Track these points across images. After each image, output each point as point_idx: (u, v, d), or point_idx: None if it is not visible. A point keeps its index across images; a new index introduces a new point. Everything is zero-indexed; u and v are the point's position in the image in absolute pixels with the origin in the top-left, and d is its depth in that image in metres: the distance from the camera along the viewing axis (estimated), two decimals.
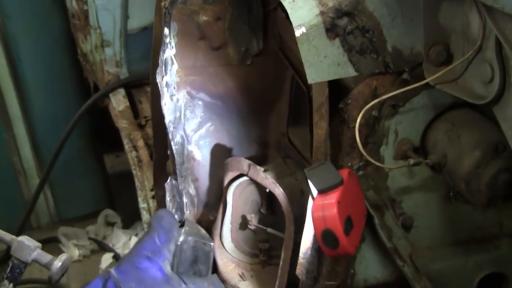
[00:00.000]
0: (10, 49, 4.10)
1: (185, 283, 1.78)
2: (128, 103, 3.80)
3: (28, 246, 1.73)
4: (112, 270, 1.72)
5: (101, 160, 4.83)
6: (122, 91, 3.87)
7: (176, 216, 2.08)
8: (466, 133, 1.62)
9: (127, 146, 3.48)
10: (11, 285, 1.73)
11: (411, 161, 1.63)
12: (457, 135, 1.63)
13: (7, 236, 1.75)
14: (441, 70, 1.56)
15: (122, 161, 5.01)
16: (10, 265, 1.73)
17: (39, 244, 1.77)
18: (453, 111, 1.69)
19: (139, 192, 3.21)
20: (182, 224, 1.95)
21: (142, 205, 3.18)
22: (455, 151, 1.61)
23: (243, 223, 2.08)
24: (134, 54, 3.89)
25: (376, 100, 1.61)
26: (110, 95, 3.86)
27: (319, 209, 1.52)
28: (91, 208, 4.69)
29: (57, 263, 1.75)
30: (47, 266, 1.76)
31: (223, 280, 2.04)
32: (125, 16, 3.79)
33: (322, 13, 1.56)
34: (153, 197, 3.00)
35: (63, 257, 1.78)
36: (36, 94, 4.25)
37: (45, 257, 1.76)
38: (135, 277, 1.70)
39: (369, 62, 1.61)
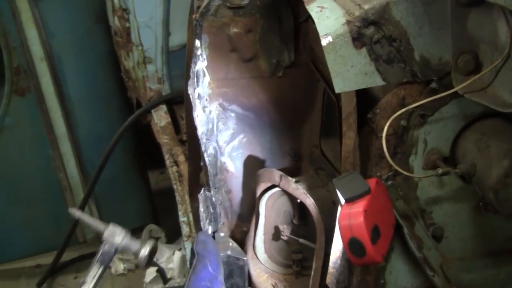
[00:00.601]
0: (55, 67, 4.20)
1: None
2: (169, 119, 3.85)
3: (119, 233, 1.81)
4: None
5: (145, 177, 4.89)
6: (164, 107, 3.93)
7: (210, 227, 2.11)
8: (496, 142, 1.60)
9: (168, 161, 3.52)
10: (101, 268, 1.80)
11: (440, 171, 1.62)
12: (486, 145, 1.61)
13: (99, 223, 1.83)
14: (470, 79, 1.54)
15: (166, 178, 5.07)
16: (101, 250, 1.80)
17: (128, 232, 1.84)
18: (482, 121, 1.68)
19: (179, 206, 3.24)
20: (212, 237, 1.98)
21: (182, 218, 3.20)
22: (484, 160, 1.59)
23: (276, 234, 2.08)
24: (175, 71, 3.94)
25: (403, 110, 1.60)
26: (152, 111, 3.92)
27: (346, 218, 1.52)
28: (136, 223, 4.74)
29: (144, 251, 1.82)
30: (135, 254, 1.83)
31: None
32: (167, 33, 3.85)
33: (348, 22, 1.56)
34: None
35: (148, 244, 1.85)
36: (81, 111, 4.34)
37: (134, 244, 1.84)
38: None
39: (397, 71, 1.61)
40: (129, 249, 1.82)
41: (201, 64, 1.98)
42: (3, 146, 4.34)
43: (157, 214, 4.87)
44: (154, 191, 4.99)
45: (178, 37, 3.87)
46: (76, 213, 1.85)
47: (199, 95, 1.98)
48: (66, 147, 4.45)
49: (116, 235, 1.79)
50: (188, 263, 1.88)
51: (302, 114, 2.17)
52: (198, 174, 2.21)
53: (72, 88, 4.29)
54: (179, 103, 3.96)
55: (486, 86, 1.53)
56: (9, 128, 4.33)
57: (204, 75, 2.02)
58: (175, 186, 3.33)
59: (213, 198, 2.10)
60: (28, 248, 4.65)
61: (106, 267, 1.81)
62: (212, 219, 2.11)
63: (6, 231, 4.44)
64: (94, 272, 1.82)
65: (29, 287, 4.40)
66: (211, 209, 2.10)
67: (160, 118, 3.85)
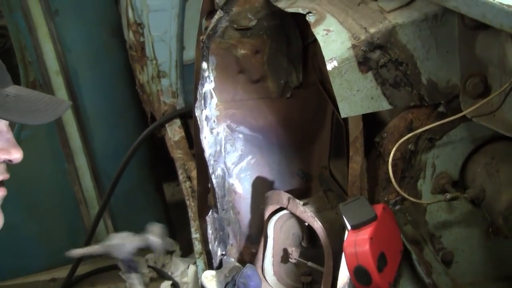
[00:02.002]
0: (70, 81, 4.23)
1: None
2: (183, 134, 3.85)
3: (122, 246, 1.80)
4: None
5: (161, 189, 4.90)
6: (178, 122, 3.93)
7: (219, 249, 2.10)
8: (505, 167, 1.57)
9: (181, 176, 3.52)
10: (135, 276, 1.79)
11: (449, 196, 1.59)
12: (496, 169, 1.58)
13: (99, 246, 1.81)
14: (478, 102, 1.51)
15: (181, 190, 5.08)
16: (121, 265, 1.80)
17: (129, 233, 1.82)
18: (492, 144, 1.65)
19: (192, 223, 3.23)
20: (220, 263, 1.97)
21: (194, 235, 3.19)
22: (494, 185, 1.57)
23: (285, 256, 2.07)
24: (189, 85, 3.92)
25: (411, 134, 1.58)
26: (166, 125, 3.92)
27: (351, 245, 1.50)
28: None
29: (153, 237, 1.81)
30: (148, 245, 1.83)
31: None
32: (181, 47, 3.86)
33: (354, 46, 1.54)
34: None
35: (153, 229, 1.84)
36: (96, 125, 4.36)
37: (141, 239, 1.82)
38: None
39: (404, 95, 1.58)
40: (140, 245, 1.81)
41: (208, 86, 1.98)
42: None
43: (173, 227, 4.86)
44: (169, 204, 4.99)
45: (192, 51, 3.82)
46: (76, 252, 1.83)
47: (206, 117, 1.97)
48: (81, 160, 4.47)
49: (120, 246, 1.77)
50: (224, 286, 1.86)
51: (311, 134, 2.15)
52: (207, 195, 2.20)
53: (87, 101, 4.31)
54: (192, 118, 3.96)
55: (495, 110, 1.50)
56: (25, 142, 4.35)
57: (212, 97, 2.01)
58: (188, 202, 3.33)
59: (222, 220, 2.08)
60: (43, 262, 4.67)
61: (138, 271, 1.79)
62: (221, 241, 2.10)
63: (21, 245, 4.47)
64: (133, 281, 1.81)
65: None
66: (220, 230, 2.08)
67: (174, 132, 3.85)
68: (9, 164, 1.49)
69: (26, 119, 1.49)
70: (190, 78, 3.92)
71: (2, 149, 1.45)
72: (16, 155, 1.47)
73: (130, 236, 1.79)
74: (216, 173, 2.04)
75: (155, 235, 1.80)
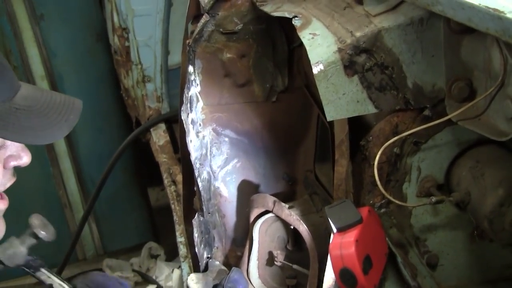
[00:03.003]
0: (56, 85, 4.22)
1: None
2: (168, 138, 3.85)
3: (13, 255, 1.74)
4: None
5: (145, 194, 4.89)
6: (162, 126, 3.93)
7: (205, 252, 2.09)
8: (490, 170, 1.58)
9: (166, 180, 3.52)
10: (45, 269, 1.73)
11: (434, 199, 1.60)
12: (481, 173, 1.59)
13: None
14: (464, 106, 1.53)
15: (166, 195, 5.07)
16: (25, 269, 1.74)
17: (14, 240, 1.76)
18: (477, 148, 1.66)
19: (176, 226, 3.23)
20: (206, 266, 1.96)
21: (179, 239, 3.18)
22: (479, 188, 1.57)
23: (270, 260, 2.07)
24: (174, 89, 3.93)
25: (397, 137, 1.58)
26: (151, 129, 3.92)
27: (337, 248, 1.51)
28: (135, 241, 4.74)
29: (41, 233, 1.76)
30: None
31: None
32: (166, 52, 3.86)
33: (340, 50, 1.55)
34: None
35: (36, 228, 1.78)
36: (81, 129, 4.34)
37: (30, 242, 1.77)
38: None
39: (389, 99, 1.59)
40: (30, 244, 1.75)
41: (194, 90, 1.97)
42: None
43: (157, 232, 4.86)
44: (154, 208, 4.98)
45: (177, 56, 3.83)
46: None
47: (192, 120, 1.97)
48: (66, 164, 4.46)
49: (11, 255, 1.73)
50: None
51: (296, 138, 2.16)
52: (192, 199, 2.20)
53: None
54: (178, 122, 3.95)
55: (480, 114, 1.52)
56: None
57: (198, 100, 2.01)
58: (172, 206, 3.32)
59: (208, 223, 2.08)
60: None
61: (44, 265, 1.74)
62: (207, 244, 2.10)
63: None
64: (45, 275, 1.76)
65: None
66: (205, 234, 2.08)
67: (158, 136, 3.85)
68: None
69: (40, 139, 1.45)
70: (175, 83, 3.93)
71: (13, 156, 1.44)
72: (25, 159, 1.47)
73: (15, 241, 1.74)
74: (202, 176, 2.03)
75: (39, 227, 1.75)
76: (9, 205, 4.24)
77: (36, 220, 1.74)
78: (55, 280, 1.68)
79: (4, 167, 1.44)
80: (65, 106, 1.51)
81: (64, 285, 1.67)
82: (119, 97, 4.28)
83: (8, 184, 1.46)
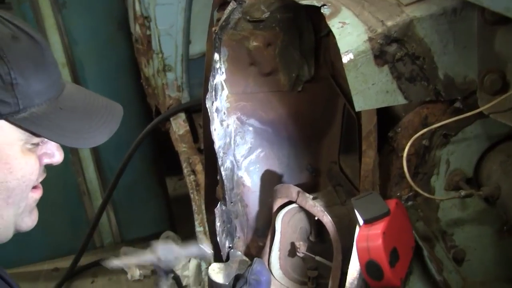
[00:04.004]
0: (76, 73, 4.22)
1: None
2: (188, 128, 3.83)
3: (170, 261, 1.74)
4: None
5: (163, 183, 4.90)
6: (182, 116, 3.91)
7: (226, 242, 2.08)
8: None
9: (185, 170, 3.50)
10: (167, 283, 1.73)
11: (463, 193, 1.58)
12: None
13: (143, 258, 1.76)
14: (496, 99, 1.50)
15: (184, 184, 5.07)
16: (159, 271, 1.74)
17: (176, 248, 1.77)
18: (508, 142, 1.63)
19: (195, 216, 3.22)
20: (227, 257, 1.95)
21: (198, 228, 3.18)
22: (510, 183, 1.54)
23: (292, 250, 2.05)
24: (195, 79, 3.93)
25: (426, 129, 1.56)
26: (171, 119, 3.91)
27: (364, 240, 1.48)
28: (153, 229, 4.76)
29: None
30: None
31: None
32: (187, 41, 3.84)
33: (370, 39, 1.52)
34: None
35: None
36: None
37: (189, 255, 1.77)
38: None
39: (420, 90, 1.56)
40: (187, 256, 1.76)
41: (219, 78, 1.95)
42: None
43: (174, 221, 4.87)
44: (171, 198, 4.99)
45: (198, 46, 3.86)
46: (118, 262, 1.77)
47: (217, 108, 1.95)
48: (85, 152, 4.47)
49: (170, 261, 1.73)
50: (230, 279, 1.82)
51: (321, 129, 2.13)
52: (215, 188, 2.18)
53: None
54: (198, 112, 3.94)
55: None
56: None
57: (223, 89, 1.99)
58: (192, 195, 3.31)
59: (230, 212, 2.07)
60: (47, 252, 4.68)
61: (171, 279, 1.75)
62: (228, 234, 2.08)
63: (25, 234, 4.41)
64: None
65: None
66: (227, 223, 2.07)
67: (178, 126, 3.84)
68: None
69: (80, 142, 1.44)
70: (195, 73, 3.93)
71: (47, 154, 1.43)
72: (58, 157, 1.46)
73: (177, 249, 1.74)
74: (225, 165, 2.01)
75: (200, 247, 1.75)
76: None
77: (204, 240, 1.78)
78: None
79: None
80: (107, 110, 1.50)
81: None
82: (139, 86, 4.28)
83: (40, 179, 1.45)
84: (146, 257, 1.73)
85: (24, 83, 1.31)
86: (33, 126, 1.34)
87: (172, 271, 1.71)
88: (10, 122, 1.32)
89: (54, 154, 1.45)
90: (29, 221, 1.51)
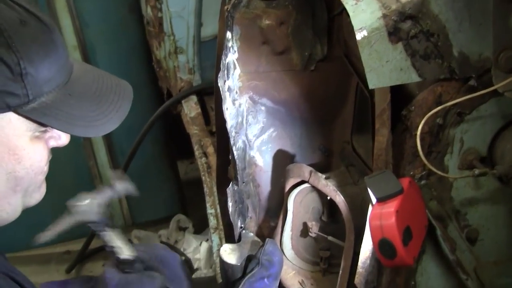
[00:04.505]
0: (88, 56, 4.22)
1: None
2: (199, 110, 3.83)
3: (87, 210, 1.64)
4: None
5: (174, 166, 4.90)
6: (194, 98, 3.91)
7: (239, 222, 2.07)
8: None
9: (197, 152, 3.51)
10: (111, 229, 1.66)
11: (477, 171, 1.57)
12: None
13: (62, 222, 1.68)
14: (511, 76, 1.49)
15: (195, 168, 5.08)
16: (92, 226, 1.66)
17: (92, 195, 1.66)
18: None
19: (207, 198, 3.23)
20: (239, 238, 1.94)
21: (209, 210, 3.19)
22: None
23: (304, 231, 2.04)
24: (206, 61, 3.93)
25: (440, 107, 1.54)
26: (183, 101, 3.91)
27: (377, 218, 1.48)
28: (164, 213, 4.77)
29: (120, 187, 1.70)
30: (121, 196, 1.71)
31: (282, 287, 2.02)
32: (199, 24, 3.83)
33: (384, 16, 1.51)
34: None
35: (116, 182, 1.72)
36: None
37: (107, 196, 1.69)
38: None
39: (434, 68, 1.55)
40: (106, 199, 1.67)
41: (232, 56, 1.94)
42: None
43: (185, 204, 4.88)
44: (183, 181, 5.00)
45: (210, 28, 3.84)
46: (44, 236, 1.69)
47: (229, 87, 1.94)
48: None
49: (86, 210, 1.64)
50: (243, 260, 1.79)
51: (334, 109, 2.12)
52: (226, 168, 2.18)
53: None
54: (209, 94, 3.95)
55: None
56: None
57: (235, 68, 1.97)
58: (203, 178, 3.32)
59: (242, 192, 2.06)
60: (58, 234, 4.68)
61: (111, 226, 1.67)
62: (240, 214, 2.08)
63: (37, 217, 4.45)
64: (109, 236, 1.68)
65: (58, 273, 4.45)
66: (239, 203, 2.06)
67: (190, 108, 3.84)
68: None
69: (90, 131, 1.42)
70: (207, 55, 3.92)
71: (54, 137, 1.42)
72: (64, 139, 1.45)
73: (93, 193, 1.66)
74: (237, 145, 2.01)
75: (120, 181, 1.69)
76: None
77: (114, 174, 1.69)
78: (117, 244, 1.64)
79: None
80: (116, 93, 1.48)
81: (126, 248, 1.64)
82: (150, 69, 4.27)
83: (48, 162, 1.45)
84: (63, 221, 1.66)
85: (33, 72, 1.28)
86: (42, 117, 1.32)
87: (105, 221, 1.64)
88: (19, 114, 1.30)
89: (61, 137, 1.43)
90: (38, 195, 1.50)
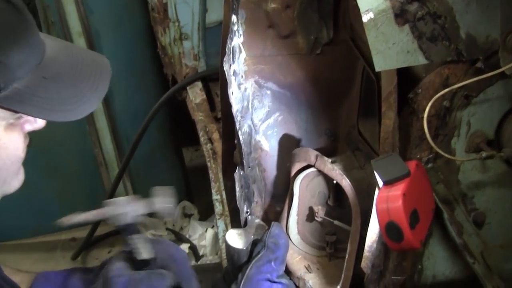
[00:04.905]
0: (92, 42, 4.20)
1: None
2: (205, 96, 3.82)
3: (123, 215, 1.60)
4: None
5: (180, 153, 4.90)
6: (199, 84, 3.90)
7: (245, 206, 2.07)
8: None
9: (202, 138, 3.50)
10: (139, 236, 1.64)
11: (484, 154, 1.56)
12: None
13: (95, 213, 1.64)
14: None
15: (200, 155, 5.08)
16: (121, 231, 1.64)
17: (133, 201, 1.62)
18: None
19: (212, 184, 3.23)
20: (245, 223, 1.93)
21: (215, 196, 3.19)
22: None
23: (310, 215, 2.04)
24: (212, 48, 3.91)
25: (447, 90, 1.53)
26: (188, 88, 3.89)
27: (384, 201, 1.47)
28: None
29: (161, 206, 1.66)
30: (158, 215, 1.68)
31: (288, 272, 2.01)
32: (204, 9, 3.81)
33: None
34: None
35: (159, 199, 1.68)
36: (117, 87, 4.34)
37: (146, 210, 1.64)
38: None
39: (441, 50, 1.54)
40: (144, 212, 1.63)
41: (237, 40, 1.93)
42: None
43: (191, 191, 4.88)
44: (188, 168, 4.99)
45: (215, 14, 3.83)
46: (71, 219, 1.64)
47: (234, 71, 1.93)
48: (102, 123, 4.46)
49: (122, 214, 1.61)
50: (248, 244, 1.77)
51: (340, 93, 2.11)
52: (232, 152, 2.17)
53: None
54: (214, 80, 3.93)
55: None
56: None
57: (240, 52, 1.97)
58: (208, 164, 3.31)
59: (247, 177, 2.06)
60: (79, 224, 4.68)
61: (139, 233, 1.66)
62: (246, 199, 2.07)
63: (42, 204, 4.49)
64: (136, 242, 1.67)
65: (64, 260, 4.46)
66: (245, 188, 2.06)
67: (195, 95, 3.82)
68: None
69: (69, 115, 1.34)
70: (212, 41, 3.90)
71: (29, 121, 1.38)
72: (41, 123, 1.39)
73: (134, 202, 1.62)
74: (242, 129, 2.00)
75: (162, 200, 1.65)
76: (46, 163, 4.31)
77: (162, 192, 1.66)
78: (138, 246, 1.63)
79: None
80: (93, 70, 1.40)
81: (144, 250, 1.62)
82: (155, 55, 4.26)
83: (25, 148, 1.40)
84: (97, 213, 1.63)
85: (4, 58, 1.21)
86: (16, 105, 1.26)
87: (136, 230, 1.62)
88: None
89: (37, 120, 1.38)
90: (16, 182, 1.45)
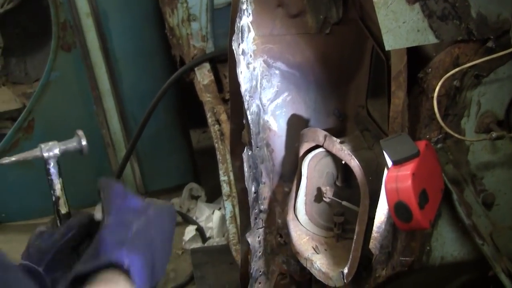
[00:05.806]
0: (100, 23, 4.20)
1: None
2: (212, 77, 3.81)
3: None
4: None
5: (187, 135, 4.90)
6: (207, 65, 3.89)
7: (253, 187, 2.07)
8: None
9: (210, 119, 3.50)
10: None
11: (494, 135, 1.55)
12: None
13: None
14: None
15: (208, 137, 5.08)
16: None
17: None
18: None
19: (220, 165, 3.23)
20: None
21: (222, 177, 3.20)
22: None
23: (318, 196, 2.03)
24: (220, 29, 3.89)
25: (457, 69, 1.53)
26: (196, 69, 3.88)
27: (393, 181, 1.47)
28: (176, 181, 4.77)
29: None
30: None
31: (296, 253, 2.01)
32: None
33: None
34: None
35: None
36: (125, 68, 4.34)
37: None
38: None
39: (451, 29, 1.53)
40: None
41: (246, 19, 1.92)
42: (49, 100, 4.39)
43: (198, 173, 4.88)
44: (195, 150, 4.99)
45: None
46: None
47: (243, 51, 1.92)
48: (109, 103, 4.47)
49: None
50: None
51: (349, 73, 2.10)
52: (240, 132, 2.16)
53: (116, 44, 4.30)
54: (222, 62, 3.92)
55: None
56: (55, 83, 4.39)
57: (249, 31, 1.95)
58: (216, 145, 3.32)
59: (255, 157, 2.05)
60: (71, 202, 4.66)
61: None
62: (254, 179, 2.07)
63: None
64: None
65: None
66: (253, 168, 2.05)
67: (203, 76, 3.82)
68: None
69: None
70: (220, 22, 3.88)
71: None
72: None
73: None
74: (251, 109, 1.99)
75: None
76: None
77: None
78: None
79: None
80: None
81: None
82: (163, 36, 4.25)
83: None
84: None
85: None
86: None
87: None
88: None
89: None
90: None
